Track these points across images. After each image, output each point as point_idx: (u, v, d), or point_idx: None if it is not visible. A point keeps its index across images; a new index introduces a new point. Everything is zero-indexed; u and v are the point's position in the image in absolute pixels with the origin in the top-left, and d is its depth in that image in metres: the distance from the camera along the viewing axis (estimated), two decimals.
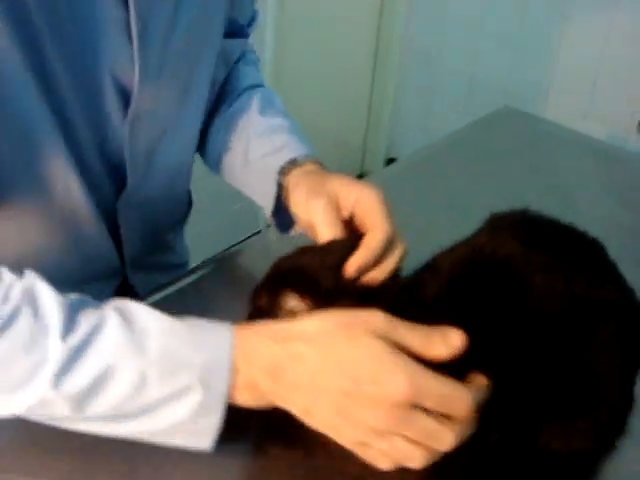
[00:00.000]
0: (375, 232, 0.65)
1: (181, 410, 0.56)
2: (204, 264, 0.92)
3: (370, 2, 2.86)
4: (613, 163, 1.27)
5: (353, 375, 0.52)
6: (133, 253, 0.88)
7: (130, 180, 0.79)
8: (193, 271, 0.91)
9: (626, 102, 2.37)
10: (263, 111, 0.88)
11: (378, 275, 0.64)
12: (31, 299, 0.57)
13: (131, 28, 0.67)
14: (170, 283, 0.87)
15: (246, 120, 0.88)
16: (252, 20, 0.92)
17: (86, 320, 0.57)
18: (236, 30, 0.88)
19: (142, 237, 0.89)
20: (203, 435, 0.57)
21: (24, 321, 0.56)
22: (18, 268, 0.61)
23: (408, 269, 0.67)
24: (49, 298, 0.58)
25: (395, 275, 0.65)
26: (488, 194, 1.13)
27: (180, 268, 1.04)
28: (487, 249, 0.62)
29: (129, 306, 0.59)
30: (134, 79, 0.70)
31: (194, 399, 0.56)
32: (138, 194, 0.82)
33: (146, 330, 0.57)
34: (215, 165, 0.92)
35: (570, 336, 0.58)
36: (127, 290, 0.92)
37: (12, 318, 0.55)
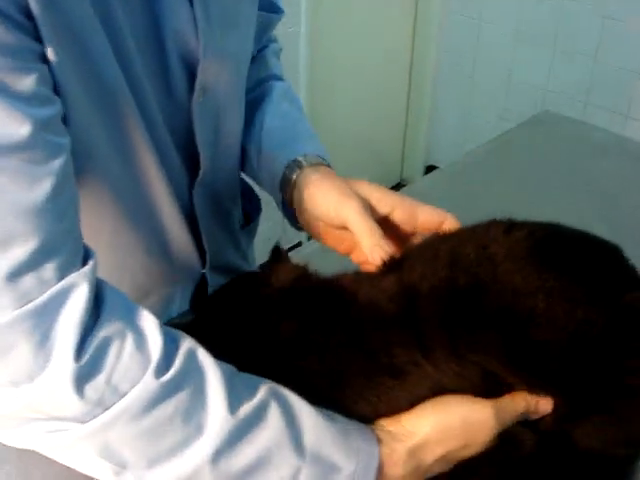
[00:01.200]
0: (451, 220, 0.72)
1: None
2: None
3: (404, 8, 2.86)
4: None
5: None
6: (212, 249, 0.89)
7: (202, 165, 0.79)
8: None
9: None
10: (281, 103, 0.89)
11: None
12: (194, 367, 0.55)
13: None
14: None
15: (264, 109, 0.88)
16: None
17: (249, 398, 0.56)
18: (266, 5, 0.89)
19: (218, 233, 0.90)
20: None
21: (187, 390, 0.53)
22: (117, 274, 0.60)
23: None
24: (212, 368, 0.56)
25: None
26: (530, 201, 1.12)
27: None
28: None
29: (285, 394, 0.58)
30: (199, 49, 0.70)
31: None
32: (210, 182, 0.82)
33: (303, 425, 0.56)
34: None
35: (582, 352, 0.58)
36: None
37: (176, 386, 0.53)
